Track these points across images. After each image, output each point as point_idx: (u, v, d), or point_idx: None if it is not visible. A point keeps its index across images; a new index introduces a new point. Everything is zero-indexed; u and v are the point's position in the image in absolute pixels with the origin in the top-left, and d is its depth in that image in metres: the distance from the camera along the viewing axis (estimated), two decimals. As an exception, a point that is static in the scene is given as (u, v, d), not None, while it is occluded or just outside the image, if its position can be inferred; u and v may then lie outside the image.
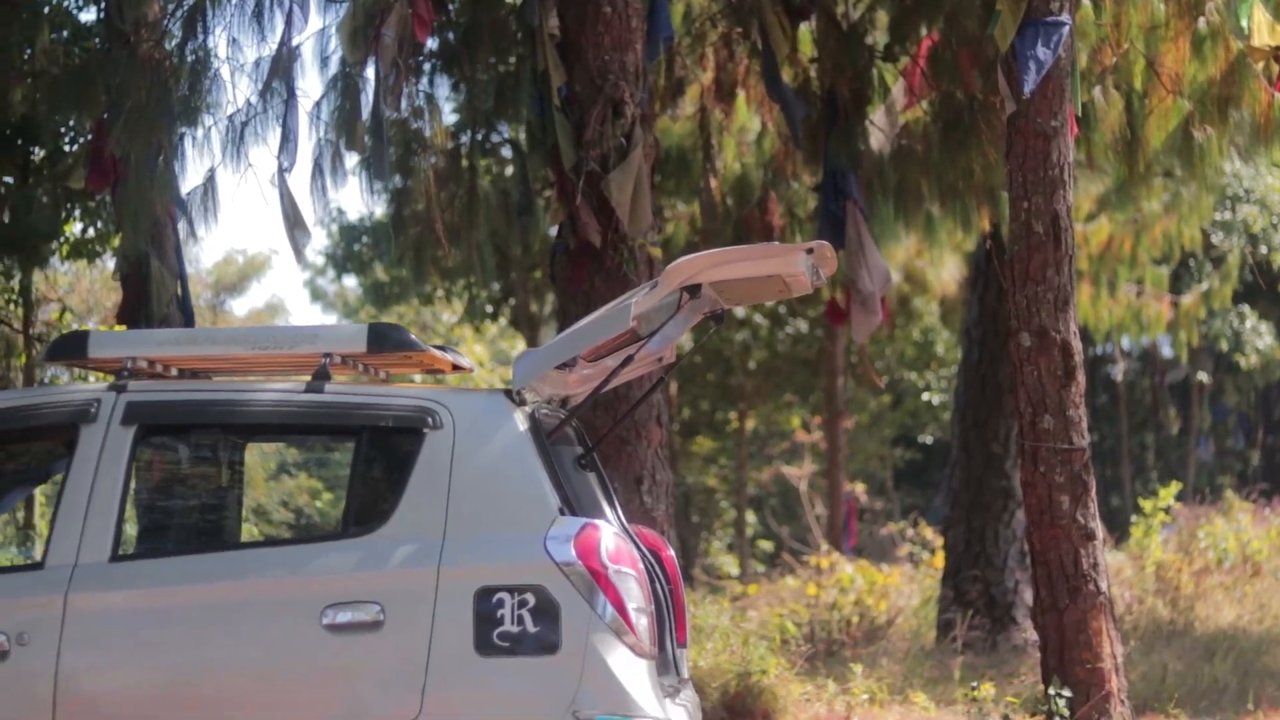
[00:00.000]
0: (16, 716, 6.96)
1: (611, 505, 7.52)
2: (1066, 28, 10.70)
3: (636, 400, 10.98)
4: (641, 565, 6.99)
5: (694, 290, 7.43)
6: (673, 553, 7.97)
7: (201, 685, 6.92)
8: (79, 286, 20.42)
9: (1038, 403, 10.56)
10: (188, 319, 13.25)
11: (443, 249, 14.17)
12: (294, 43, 11.98)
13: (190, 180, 12.18)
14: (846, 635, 15.63)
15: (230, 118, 11.95)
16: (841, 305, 15.63)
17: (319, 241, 35.83)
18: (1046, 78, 10.65)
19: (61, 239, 14.51)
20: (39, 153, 14.11)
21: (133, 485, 7.45)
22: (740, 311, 27.11)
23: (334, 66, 12.30)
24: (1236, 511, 19.99)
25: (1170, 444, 39.96)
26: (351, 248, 31.85)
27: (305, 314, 45.11)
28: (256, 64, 12.00)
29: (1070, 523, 10.44)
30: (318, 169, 12.11)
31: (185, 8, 12.13)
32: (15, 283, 14.54)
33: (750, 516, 35.19)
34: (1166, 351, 36.68)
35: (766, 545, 34.81)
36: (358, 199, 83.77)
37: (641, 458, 11.99)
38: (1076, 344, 10.65)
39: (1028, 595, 16.22)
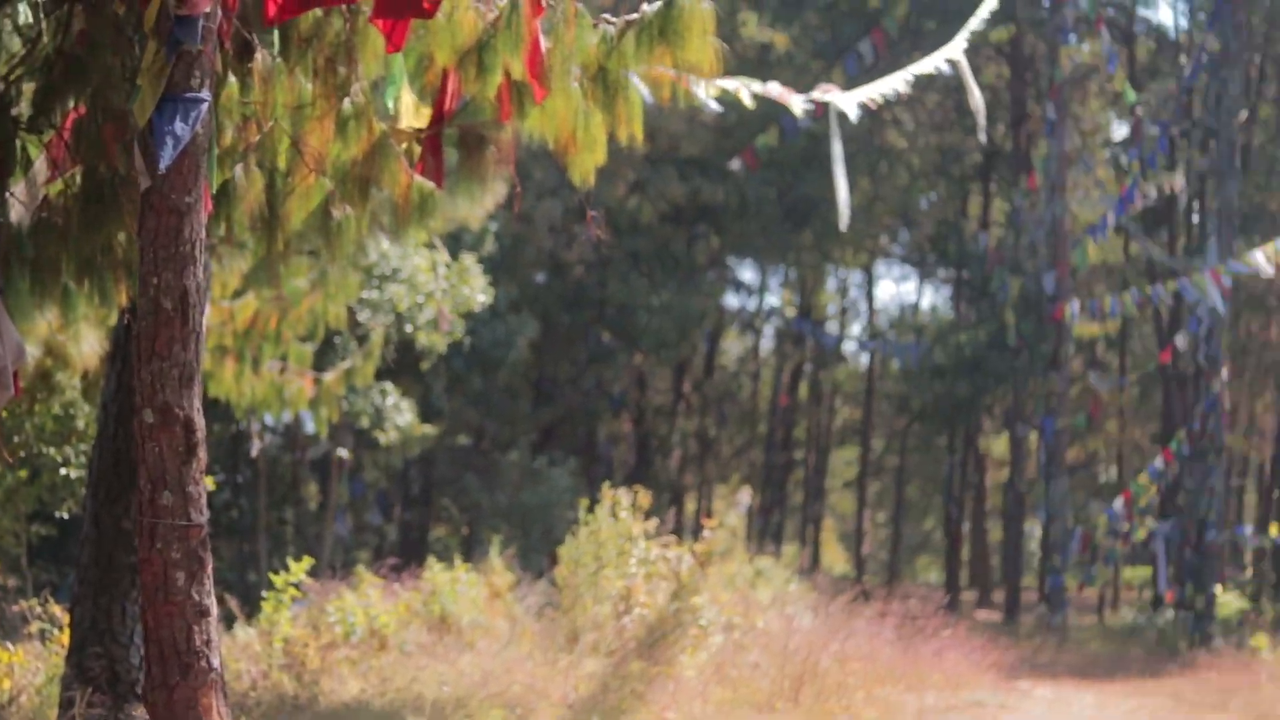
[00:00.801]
0: None
1: None
2: (205, 104, 10.64)
3: None
4: None
5: None
6: None
7: None
8: None
9: (158, 479, 10.45)
10: None
11: None
12: None
13: None
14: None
15: None
16: (-29, 381, 15.17)
17: None
18: (183, 154, 10.58)
19: None
20: None
21: None
22: None
23: None
24: (367, 586, 20.46)
25: (310, 519, 40.60)
26: None
27: None
28: None
29: (185, 599, 10.35)
30: None
31: None
32: None
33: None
34: (309, 427, 37.30)
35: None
36: None
37: None
38: (200, 421, 10.60)
39: (152, 672, 16.09)
